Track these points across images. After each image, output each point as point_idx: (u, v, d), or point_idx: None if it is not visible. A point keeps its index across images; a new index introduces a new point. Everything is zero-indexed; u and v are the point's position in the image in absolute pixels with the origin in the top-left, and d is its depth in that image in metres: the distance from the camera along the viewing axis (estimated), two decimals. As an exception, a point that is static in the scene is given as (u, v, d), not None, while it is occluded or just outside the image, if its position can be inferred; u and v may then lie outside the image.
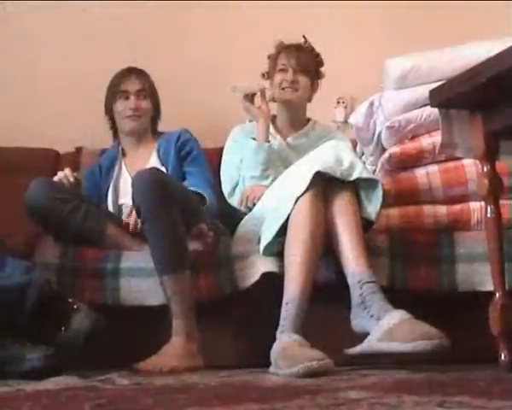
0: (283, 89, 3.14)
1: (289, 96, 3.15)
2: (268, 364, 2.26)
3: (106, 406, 1.58)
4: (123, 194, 3.05)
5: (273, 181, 2.86)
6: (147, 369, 2.34)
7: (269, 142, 3.03)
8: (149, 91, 3.20)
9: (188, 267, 2.51)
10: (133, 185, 2.54)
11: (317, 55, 3.22)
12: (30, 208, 2.68)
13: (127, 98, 3.15)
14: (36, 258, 2.59)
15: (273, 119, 3.25)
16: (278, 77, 3.16)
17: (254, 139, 3.03)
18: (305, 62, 3.16)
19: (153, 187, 2.48)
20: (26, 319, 2.21)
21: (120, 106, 3.16)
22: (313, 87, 3.23)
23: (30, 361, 2.15)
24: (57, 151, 3.68)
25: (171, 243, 2.48)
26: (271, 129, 3.19)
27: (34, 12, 3.84)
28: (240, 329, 2.65)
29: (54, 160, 3.65)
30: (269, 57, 3.25)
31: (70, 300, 2.26)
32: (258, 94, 3.07)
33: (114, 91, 3.19)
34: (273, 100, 3.19)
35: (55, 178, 2.80)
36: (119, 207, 3.05)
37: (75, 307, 2.23)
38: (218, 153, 3.30)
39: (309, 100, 3.24)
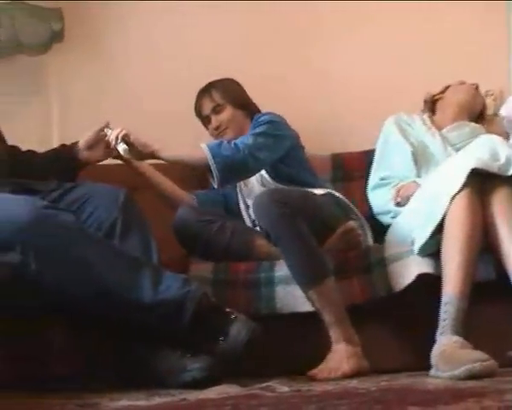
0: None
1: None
2: (429, 367, 2.21)
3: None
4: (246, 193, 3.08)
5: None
6: (322, 376, 2.33)
7: None
8: (224, 99, 3.14)
9: (328, 274, 2.47)
10: (255, 211, 2.58)
11: None
12: (178, 234, 2.78)
13: (210, 121, 3.15)
14: (190, 273, 2.63)
15: (432, 115, 3.31)
16: None
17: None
18: None
19: (274, 209, 2.47)
20: (184, 331, 2.25)
21: (210, 132, 3.18)
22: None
23: (191, 372, 2.18)
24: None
25: (305, 257, 2.47)
26: (428, 122, 3.21)
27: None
28: (399, 332, 2.60)
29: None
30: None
31: (227, 310, 2.28)
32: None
33: (201, 121, 3.22)
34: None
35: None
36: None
37: (233, 316, 2.25)
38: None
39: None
